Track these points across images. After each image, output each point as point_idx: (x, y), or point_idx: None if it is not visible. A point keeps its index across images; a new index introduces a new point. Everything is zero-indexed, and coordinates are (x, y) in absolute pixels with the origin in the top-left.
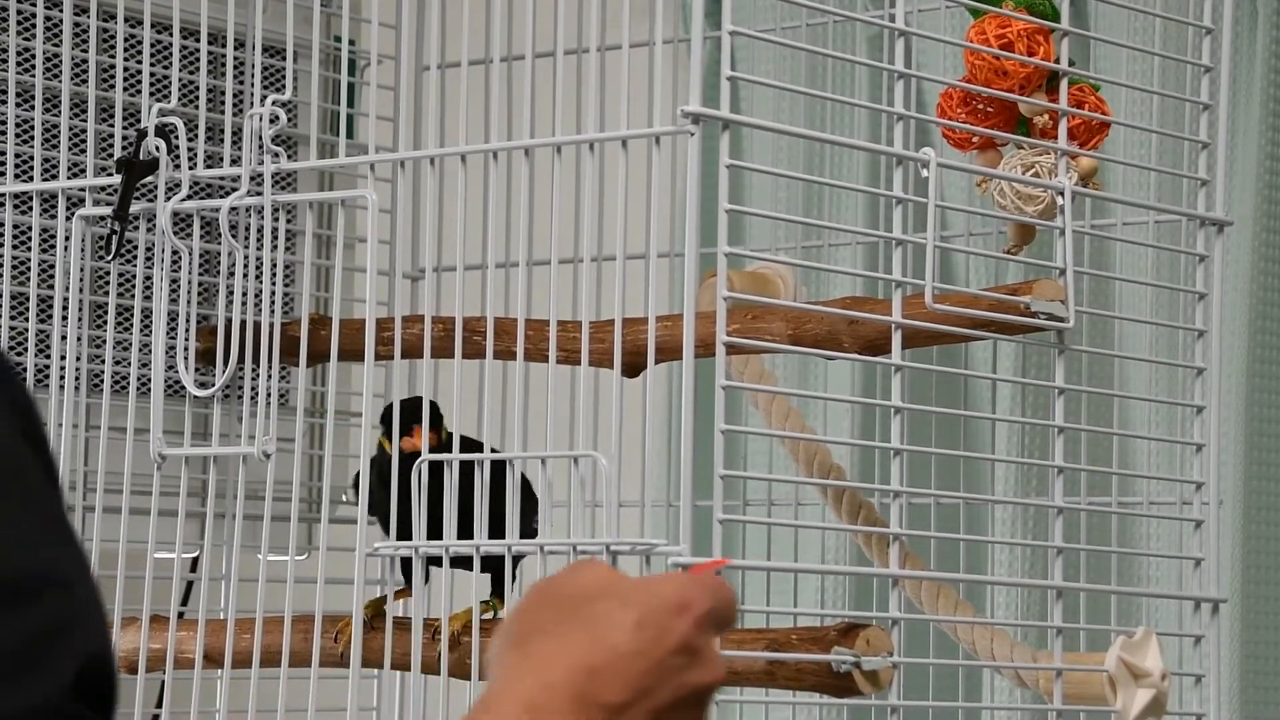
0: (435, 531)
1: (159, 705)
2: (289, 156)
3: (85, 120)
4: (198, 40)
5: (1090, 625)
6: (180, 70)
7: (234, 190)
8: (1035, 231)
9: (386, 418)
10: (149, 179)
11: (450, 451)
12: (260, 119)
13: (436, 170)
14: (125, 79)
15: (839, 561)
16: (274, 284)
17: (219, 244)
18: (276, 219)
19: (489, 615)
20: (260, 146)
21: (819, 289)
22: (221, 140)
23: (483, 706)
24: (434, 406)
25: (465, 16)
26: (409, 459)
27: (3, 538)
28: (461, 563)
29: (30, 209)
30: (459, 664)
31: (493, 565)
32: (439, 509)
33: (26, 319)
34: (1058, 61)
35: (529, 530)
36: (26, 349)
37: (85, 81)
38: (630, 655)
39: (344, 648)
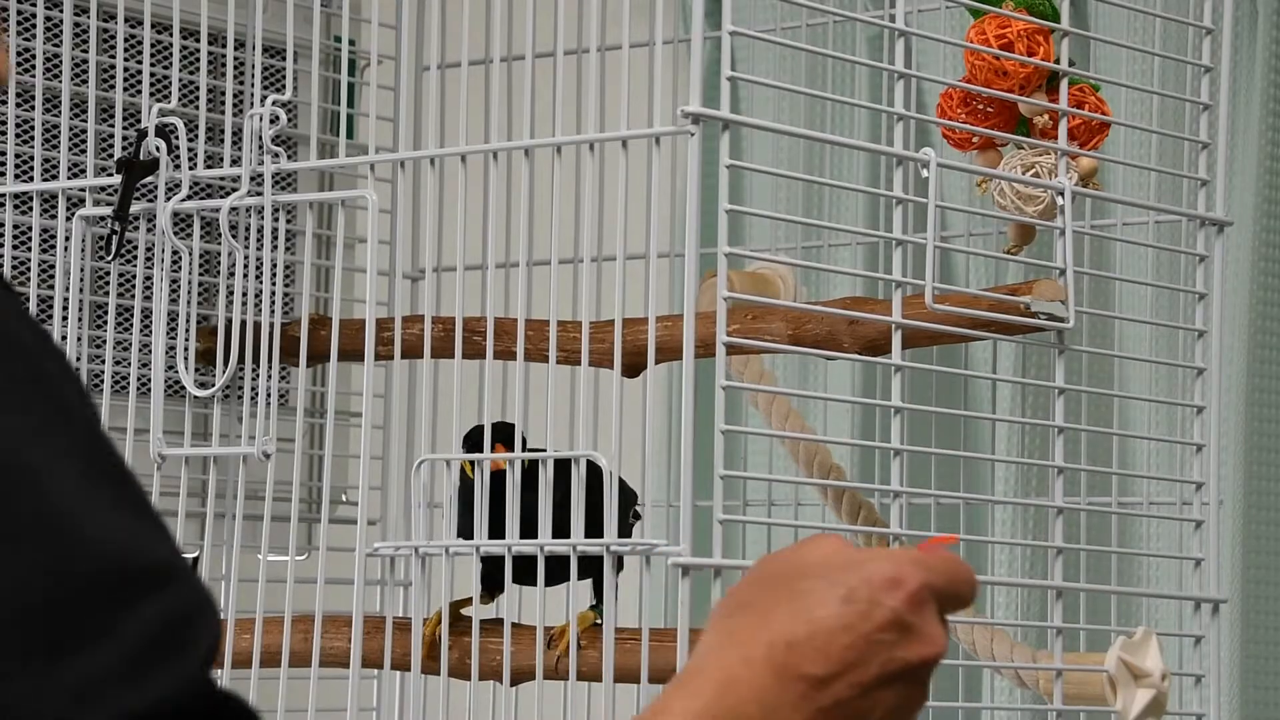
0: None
1: None
2: (289, 156)
3: (85, 120)
4: (198, 40)
5: (1090, 625)
6: (180, 70)
7: (234, 190)
8: (1035, 231)
9: (469, 440)
10: (149, 179)
11: (535, 469)
12: (260, 119)
13: (436, 170)
14: (125, 79)
15: None
16: (274, 284)
17: (219, 244)
18: (276, 219)
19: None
20: (260, 146)
21: (819, 289)
22: (221, 140)
23: (685, 678)
24: (510, 427)
25: (465, 16)
26: (496, 478)
27: (136, 526)
28: (560, 570)
29: (30, 209)
30: (459, 664)
31: (594, 570)
32: (532, 519)
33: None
34: (1058, 61)
35: (626, 527)
36: None
37: (85, 82)
38: (833, 630)
39: (563, 654)
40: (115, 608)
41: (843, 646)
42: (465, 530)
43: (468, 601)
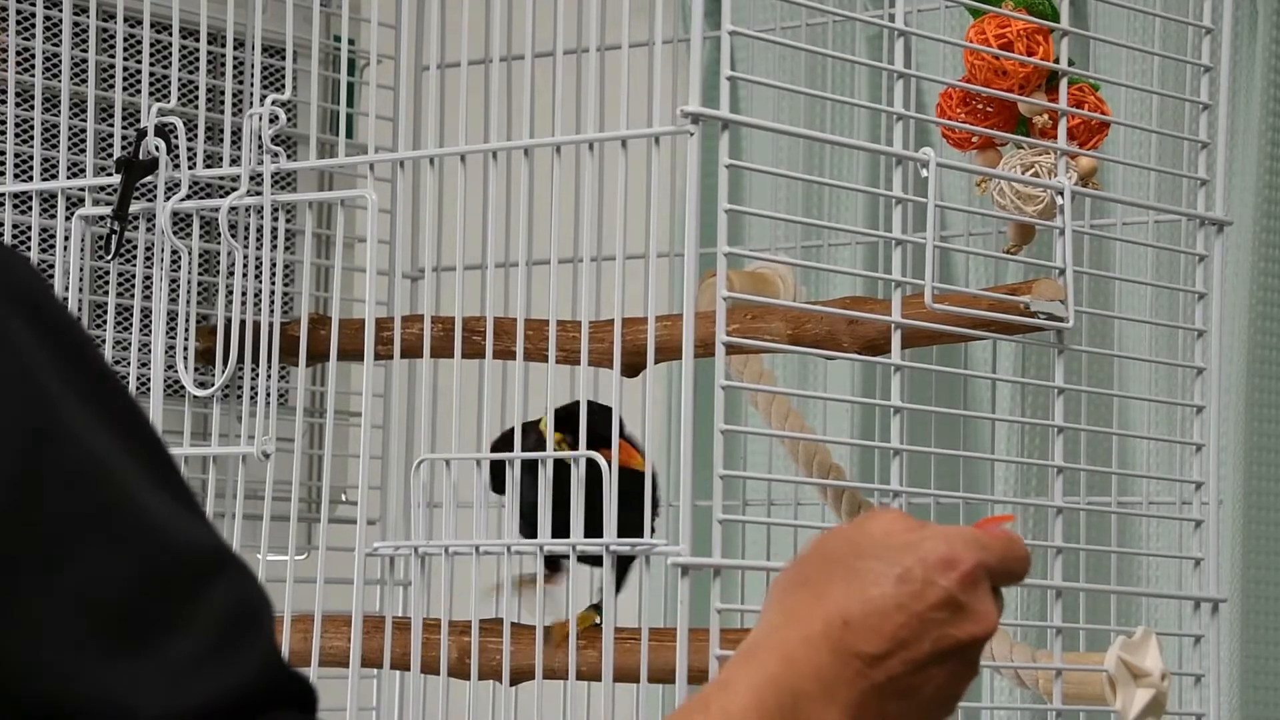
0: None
1: None
2: (289, 156)
3: (85, 120)
4: (197, 40)
5: (1090, 625)
6: (180, 70)
7: (233, 190)
8: (1035, 231)
9: (566, 421)
10: (149, 179)
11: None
12: (260, 119)
13: (436, 170)
14: (125, 79)
15: None
16: (274, 284)
17: (219, 244)
18: (276, 219)
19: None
20: (260, 146)
21: (819, 289)
22: (221, 140)
23: (747, 653)
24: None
25: (465, 16)
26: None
27: (192, 517)
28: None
29: (30, 209)
30: (459, 664)
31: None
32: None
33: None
34: (1057, 61)
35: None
36: None
37: (85, 81)
38: (888, 609)
39: (559, 645)
40: (192, 595)
41: (897, 625)
42: (527, 522)
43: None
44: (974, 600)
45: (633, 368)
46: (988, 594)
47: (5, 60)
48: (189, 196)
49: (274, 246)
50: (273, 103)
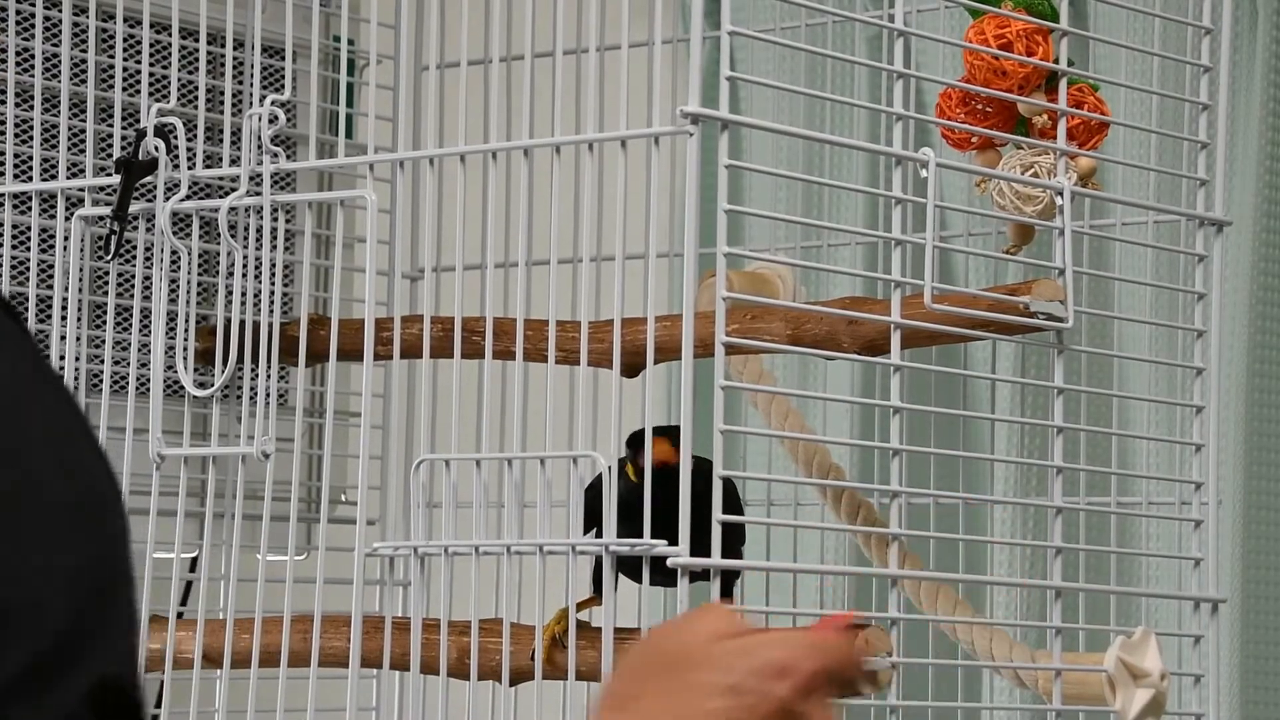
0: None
1: (158, 705)
2: (288, 156)
3: (84, 120)
4: (197, 40)
5: (1089, 625)
6: (179, 70)
7: (233, 190)
8: (1034, 231)
9: (633, 441)
10: (148, 179)
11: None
12: (259, 119)
13: (436, 170)
14: (124, 79)
15: (838, 562)
16: (273, 284)
17: (218, 244)
18: (275, 219)
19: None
20: (259, 146)
21: (818, 289)
22: (221, 140)
23: None
24: (675, 430)
25: (464, 16)
26: (659, 472)
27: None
28: (660, 573)
29: (29, 209)
30: (458, 664)
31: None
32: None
33: (26, 319)
34: (1057, 61)
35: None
36: None
37: (84, 81)
38: None
39: (548, 654)
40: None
41: None
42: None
43: (586, 604)
44: (809, 707)
45: (632, 368)
46: (823, 700)
47: (5, 60)
48: (189, 197)
49: (274, 247)
50: (272, 103)
